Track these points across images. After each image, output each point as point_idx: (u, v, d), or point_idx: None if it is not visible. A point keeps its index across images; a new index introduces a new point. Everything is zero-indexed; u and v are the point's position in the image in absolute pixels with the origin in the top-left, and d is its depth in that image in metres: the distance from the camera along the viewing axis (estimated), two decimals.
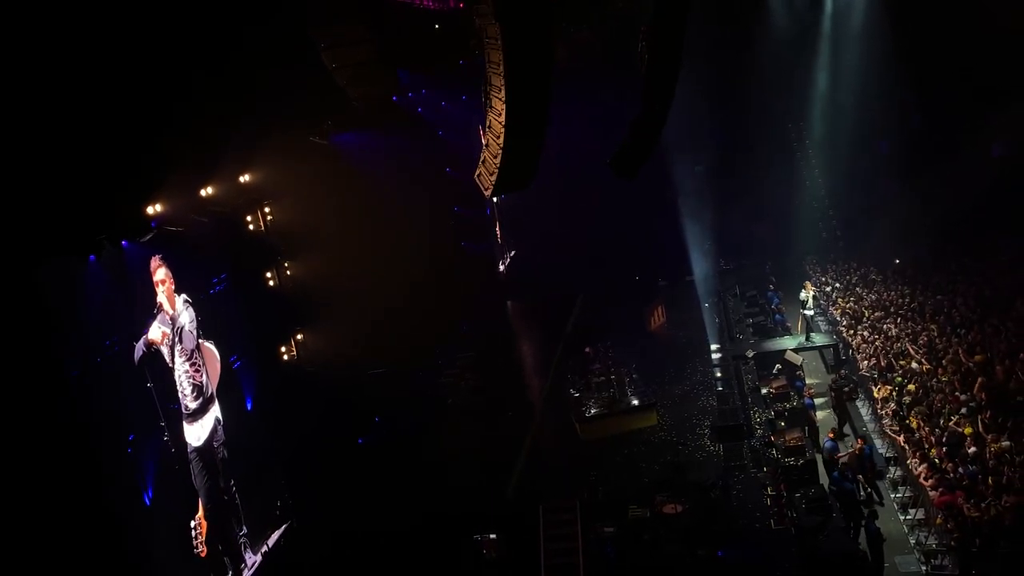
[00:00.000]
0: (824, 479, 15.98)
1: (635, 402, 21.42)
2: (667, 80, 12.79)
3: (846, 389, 19.24)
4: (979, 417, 15.10)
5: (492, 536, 15.87)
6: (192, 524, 13.85)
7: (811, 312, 22.94)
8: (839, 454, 16.24)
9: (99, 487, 12.33)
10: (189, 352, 13.54)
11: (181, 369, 13.58)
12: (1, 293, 10.59)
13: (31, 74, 10.03)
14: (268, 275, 19.12)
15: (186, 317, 13.55)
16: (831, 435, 16.76)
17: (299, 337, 19.96)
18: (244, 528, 15.29)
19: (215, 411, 14.48)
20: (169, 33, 11.86)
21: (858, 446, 16.15)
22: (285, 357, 19.59)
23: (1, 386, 10.58)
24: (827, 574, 13.52)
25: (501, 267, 30.60)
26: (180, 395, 13.67)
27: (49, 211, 10.72)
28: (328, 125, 19.64)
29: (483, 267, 29.07)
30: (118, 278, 13.18)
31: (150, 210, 13.37)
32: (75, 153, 10.87)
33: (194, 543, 13.75)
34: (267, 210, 18.86)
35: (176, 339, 13.30)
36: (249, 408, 17.58)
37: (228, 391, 16.17)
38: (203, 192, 15.73)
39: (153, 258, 13.06)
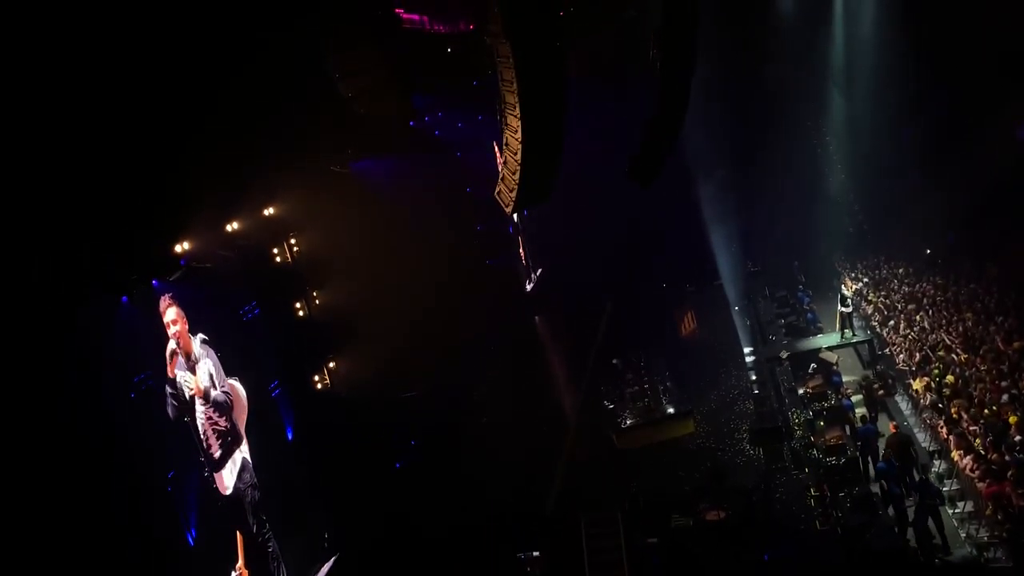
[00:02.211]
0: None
1: (671, 410, 21.29)
2: (681, 83, 12.84)
3: (876, 385, 19.00)
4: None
5: (535, 553, 15.80)
6: (233, 575, 13.76)
7: (849, 309, 22.69)
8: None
9: (142, 527, 12.36)
10: (213, 397, 13.40)
11: (204, 417, 13.40)
12: (43, 332, 10.76)
13: (59, 123, 10.28)
14: (297, 305, 19.28)
15: (207, 363, 13.41)
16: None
17: (331, 365, 20.08)
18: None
19: (243, 452, 14.32)
20: (186, 72, 12.07)
21: (892, 428, 16.00)
22: (319, 386, 19.71)
23: (40, 421, 10.70)
24: (875, 572, 13.29)
25: (528, 286, 30.61)
26: (204, 444, 13.53)
27: (84, 255, 10.94)
28: (347, 153, 19.82)
29: (509, 283, 29.08)
30: (148, 316, 13.26)
31: (178, 248, 13.51)
32: (105, 197, 11.09)
33: None
34: (293, 241, 19.04)
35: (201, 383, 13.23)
36: (290, 439, 17.65)
37: (266, 422, 16.20)
38: (229, 228, 15.91)
39: (162, 299, 12.94)
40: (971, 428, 15.14)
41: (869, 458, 16.64)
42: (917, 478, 15.02)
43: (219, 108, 13.36)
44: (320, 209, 19.06)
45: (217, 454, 13.58)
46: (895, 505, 14.56)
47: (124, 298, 12.65)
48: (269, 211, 17.87)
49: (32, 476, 10.40)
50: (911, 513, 14.22)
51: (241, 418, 14.55)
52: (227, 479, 13.80)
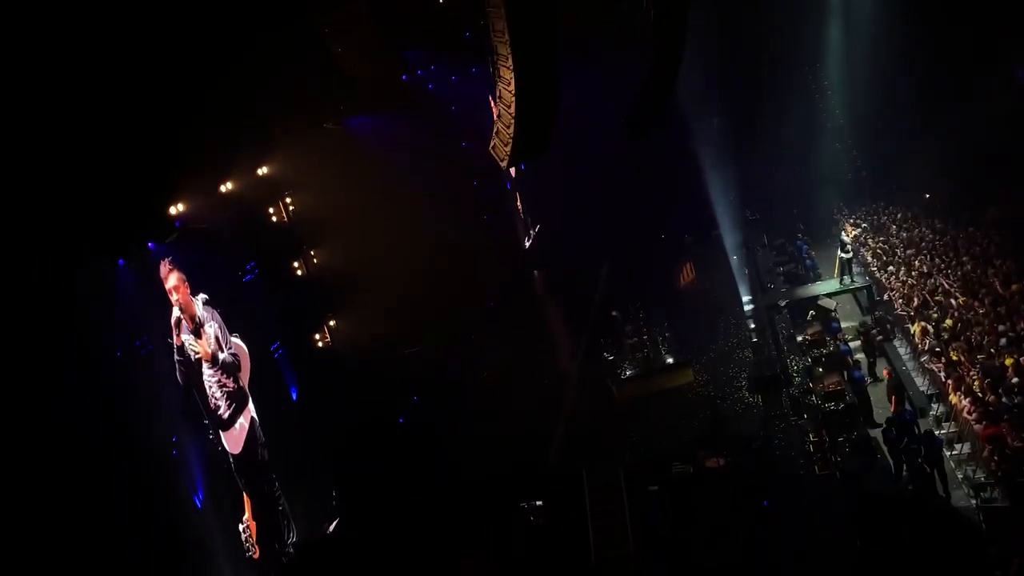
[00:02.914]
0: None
1: (670, 360, 21.41)
2: (676, 34, 12.62)
3: (874, 331, 19.07)
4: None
5: (539, 503, 16.01)
6: (241, 527, 13.92)
7: (849, 254, 22.67)
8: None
9: (149, 491, 12.38)
10: (222, 360, 13.46)
11: (212, 379, 13.47)
12: (39, 297, 10.74)
13: (56, 95, 10.19)
14: (295, 264, 19.27)
15: (212, 325, 13.44)
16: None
17: (332, 323, 20.15)
18: (293, 534, 15.24)
19: (250, 412, 14.41)
20: (174, 34, 11.90)
21: (886, 375, 16.15)
22: (320, 344, 19.79)
23: (39, 387, 10.73)
24: (875, 515, 13.47)
25: (526, 242, 30.53)
26: (212, 404, 13.58)
27: (80, 218, 10.88)
28: (340, 110, 19.64)
29: (506, 239, 29.03)
30: (146, 279, 13.25)
31: (172, 211, 13.46)
32: (99, 162, 11.01)
33: (245, 545, 13.85)
34: (288, 200, 18.96)
35: (207, 346, 13.26)
36: (295, 398, 17.76)
37: (270, 383, 16.28)
38: (223, 188, 15.84)
39: (162, 263, 12.86)
40: (969, 371, 15.23)
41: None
42: (922, 430, 15.09)
43: (210, 69, 13.22)
44: (315, 167, 18.95)
45: (226, 415, 13.76)
46: (891, 450, 14.72)
47: (120, 261, 12.62)
48: (263, 170, 17.77)
49: (34, 445, 10.42)
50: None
51: (246, 377, 14.71)
52: (236, 439, 13.99)
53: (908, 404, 16.00)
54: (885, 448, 15.05)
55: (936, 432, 14.51)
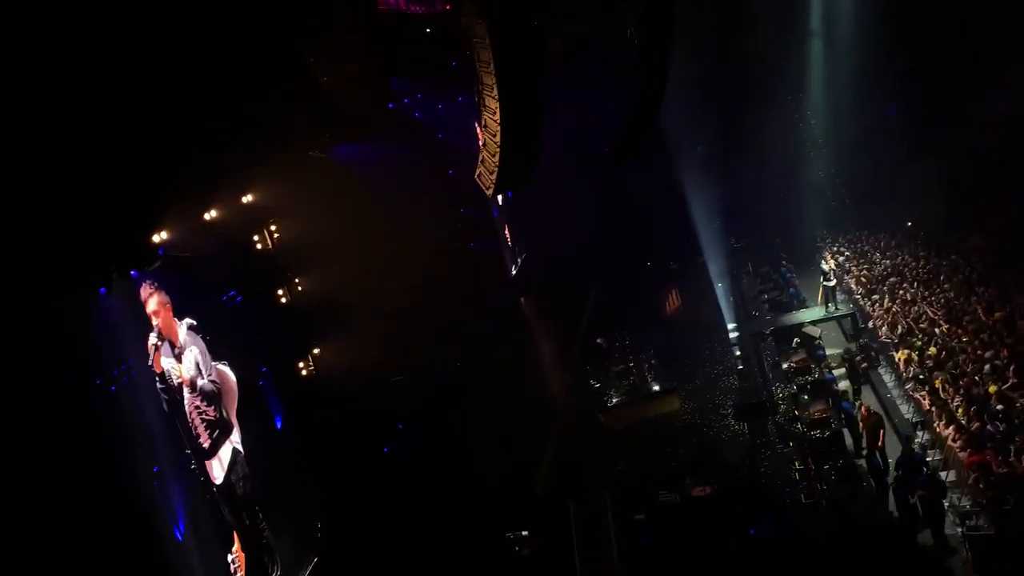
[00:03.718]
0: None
1: (656, 388, 21.41)
2: (660, 62, 12.77)
3: (858, 358, 19.14)
4: (1007, 372, 14.96)
5: (524, 533, 15.88)
6: (230, 558, 13.68)
7: (832, 282, 22.81)
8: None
9: (127, 522, 12.13)
10: (200, 387, 13.26)
11: (192, 407, 13.26)
12: (18, 328, 10.61)
13: (34, 120, 10.12)
14: (280, 292, 19.18)
15: (193, 351, 13.23)
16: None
17: (316, 351, 20.03)
18: (278, 568, 14.96)
19: (234, 442, 14.16)
20: (161, 61, 11.89)
21: (863, 411, 16.14)
22: (304, 373, 19.66)
23: (19, 415, 10.55)
24: (861, 543, 13.44)
25: (513, 270, 30.56)
26: (193, 433, 13.36)
27: (59, 248, 10.76)
28: (326, 138, 19.66)
29: (494, 266, 29.03)
30: (128, 306, 13.08)
31: (156, 238, 13.33)
32: (78, 189, 10.92)
33: None
34: (273, 228, 18.91)
35: (185, 372, 13.06)
36: (279, 427, 17.57)
37: (255, 412, 16.11)
38: (207, 216, 15.77)
39: (143, 286, 12.56)
40: (953, 399, 15.28)
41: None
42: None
43: (195, 96, 13.19)
44: (300, 195, 18.90)
45: (206, 444, 13.50)
46: (876, 478, 14.71)
47: (103, 290, 12.46)
48: (248, 198, 17.71)
49: (11, 475, 10.23)
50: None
51: (231, 406, 14.48)
52: (217, 470, 13.73)
53: (896, 435, 16.03)
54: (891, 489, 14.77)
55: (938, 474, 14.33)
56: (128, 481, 12.51)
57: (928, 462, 14.70)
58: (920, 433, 16.28)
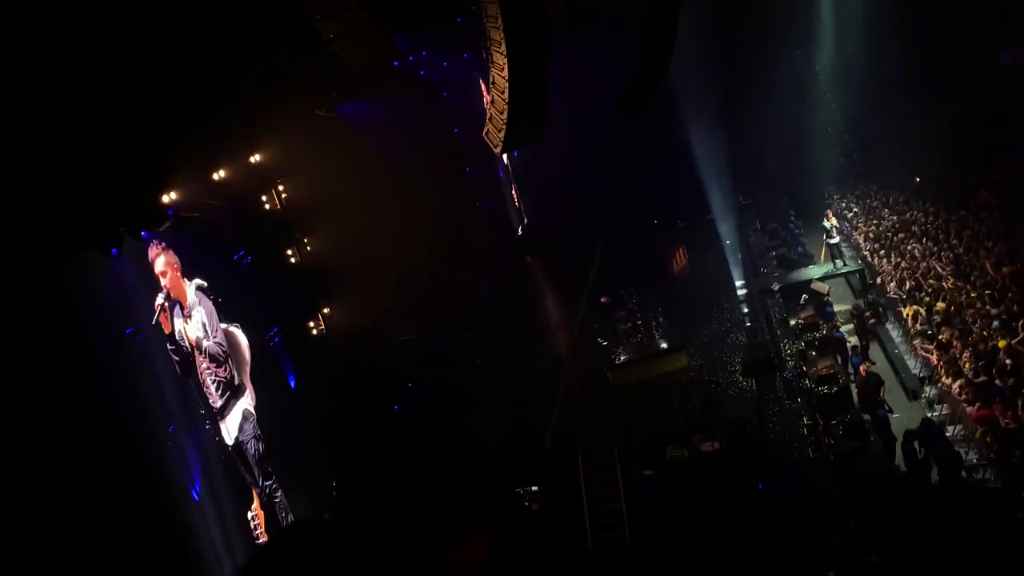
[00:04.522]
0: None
1: (664, 345, 21.46)
2: (668, 16, 12.60)
3: (867, 314, 19.15)
4: (1016, 326, 14.93)
5: (534, 488, 16.06)
6: (249, 515, 13.81)
7: (835, 240, 22.75)
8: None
9: (144, 483, 12.15)
10: (205, 348, 13.30)
11: (202, 366, 13.32)
12: (29, 288, 10.63)
13: (41, 83, 10.08)
14: (289, 252, 19.20)
15: (200, 312, 13.26)
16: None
17: (326, 311, 20.11)
18: None
19: (244, 403, 14.16)
20: (165, 22, 11.79)
21: (862, 371, 16.14)
22: (314, 332, 19.76)
23: (31, 378, 10.57)
24: (868, 497, 13.56)
25: (519, 230, 30.50)
26: (205, 392, 13.42)
27: (71, 209, 10.77)
28: (332, 97, 19.54)
29: (500, 226, 29.01)
30: (138, 266, 13.08)
31: (165, 199, 13.34)
32: (88, 152, 10.91)
33: (255, 533, 13.76)
34: (281, 188, 18.87)
35: (191, 332, 13.09)
36: (293, 387, 17.72)
37: (268, 372, 16.18)
38: (215, 176, 15.75)
39: (151, 246, 12.49)
40: (961, 353, 15.31)
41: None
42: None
43: (200, 56, 13.10)
44: (307, 154, 18.86)
45: (218, 404, 13.62)
46: (883, 432, 14.79)
47: (114, 250, 12.50)
48: (255, 158, 17.67)
49: (25, 439, 10.26)
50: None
51: (243, 367, 14.56)
52: (230, 429, 13.87)
53: (903, 389, 16.04)
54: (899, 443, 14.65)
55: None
56: (143, 441, 12.52)
57: (946, 435, 14.28)
58: (927, 388, 16.34)
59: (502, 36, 10.57)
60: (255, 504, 13.83)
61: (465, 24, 18.35)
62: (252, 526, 13.74)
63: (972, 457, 13.92)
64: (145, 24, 11.53)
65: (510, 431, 18.96)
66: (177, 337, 12.85)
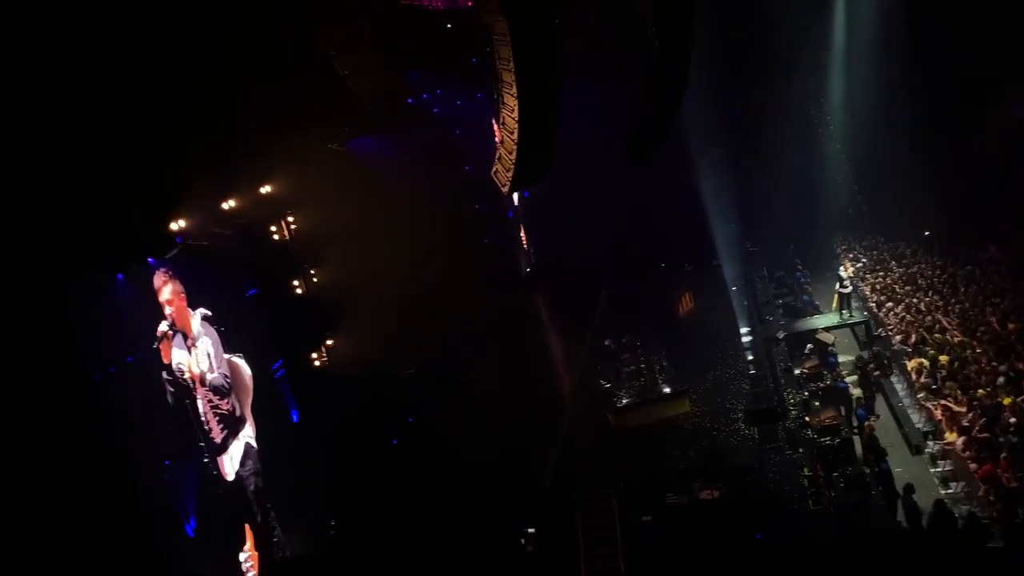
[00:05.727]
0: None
1: (667, 390, 21.36)
2: (679, 61, 12.75)
3: (871, 366, 19.07)
4: (1021, 383, 14.87)
5: (530, 530, 15.90)
6: (242, 556, 13.58)
7: (848, 289, 22.71)
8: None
9: (138, 518, 11.74)
10: (210, 381, 13.16)
11: (204, 399, 12.99)
12: (32, 310, 10.59)
13: (55, 105, 10.19)
14: (295, 283, 19.25)
15: (206, 342, 13.14)
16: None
17: (329, 343, 20.10)
18: None
19: (246, 436, 14.01)
20: (179, 52, 11.97)
21: (867, 429, 16.03)
22: (317, 364, 19.72)
23: (30, 403, 10.34)
24: (868, 551, 13.38)
25: (527, 270, 30.57)
26: (205, 428, 13.15)
27: (77, 234, 10.81)
28: (345, 131, 19.73)
29: (508, 264, 29.05)
30: (142, 293, 12.95)
31: (173, 226, 13.33)
32: (98, 175, 11.00)
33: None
34: (290, 219, 18.98)
35: (196, 365, 13.00)
36: (295, 420, 17.60)
37: (271, 404, 16.05)
38: (225, 205, 15.84)
39: (157, 274, 12.34)
40: (965, 410, 15.20)
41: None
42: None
43: (215, 86, 13.27)
44: (317, 187, 18.97)
45: (219, 438, 13.39)
46: (885, 486, 14.64)
47: (120, 276, 12.50)
48: (266, 189, 17.80)
49: (18, 467, 10.04)
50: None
51: (245, 399, 14.39)
52: (229, 465, 13.63)
53: (907, 444, 15.93)
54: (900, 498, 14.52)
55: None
56: (138, 474, 12.10)
57: (958, 517, 13.61)
58: (931, 443, 16.20)
59: (513, 79, 10.74)
60: (248, 544, 13.59)
61: (479, 64, 18.59)
62: (245, 567, 13.48)
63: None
64: (164, 52, 11.70)
65: (510, 469, 18.80)
66: (174, 368, 12.69)
